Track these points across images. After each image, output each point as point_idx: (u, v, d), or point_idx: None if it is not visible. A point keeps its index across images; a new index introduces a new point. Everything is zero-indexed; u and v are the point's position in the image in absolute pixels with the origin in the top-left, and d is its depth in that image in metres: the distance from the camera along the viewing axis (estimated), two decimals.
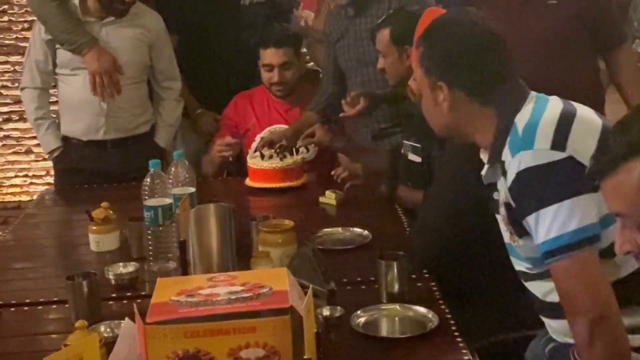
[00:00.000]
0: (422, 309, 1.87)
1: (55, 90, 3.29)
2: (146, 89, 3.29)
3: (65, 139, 3.23)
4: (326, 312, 1.84)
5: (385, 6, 3.02)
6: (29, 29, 4.41)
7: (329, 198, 2.78)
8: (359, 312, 1.86)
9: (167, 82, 3.31)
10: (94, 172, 3.04)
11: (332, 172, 2.77)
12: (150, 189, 2.24)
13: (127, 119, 3.21)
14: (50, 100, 3.30)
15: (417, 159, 2.57)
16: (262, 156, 3.05)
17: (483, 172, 1.76)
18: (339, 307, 1.86)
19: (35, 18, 3.27)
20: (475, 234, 2.09)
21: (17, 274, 2.38)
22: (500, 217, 1.74)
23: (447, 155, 2.19)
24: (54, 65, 3.17)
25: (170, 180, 2.38)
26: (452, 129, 1.76)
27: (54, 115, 3.28)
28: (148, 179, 2.25)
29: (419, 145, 2.56)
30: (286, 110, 3.27)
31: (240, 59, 3.46)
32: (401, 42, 2.64)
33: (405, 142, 2.63)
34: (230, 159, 3.13)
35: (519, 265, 1.78)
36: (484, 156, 1.77)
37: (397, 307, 1.90)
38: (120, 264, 2.18)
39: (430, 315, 1.84)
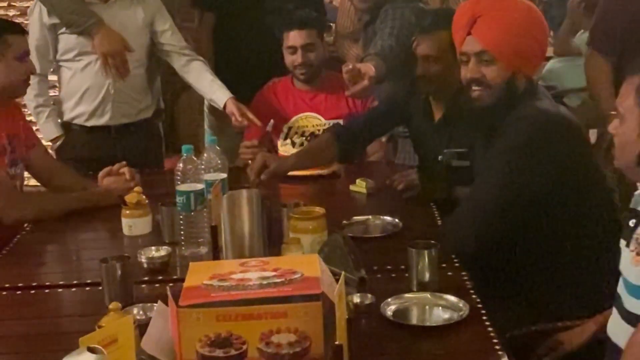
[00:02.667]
0: (453, 298, 1.86)
1: (53, 76, 3.28)
2: (148, 74, 3.28)
3: (67, 127, 3.22)
4: (356, 299, 1.85)
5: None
6: (21, 14, 4.33)
7: (360, 186, 2.78)
8: (389, 300, 1.86)
9: (182, 50, 3.26)
10: (97, 159, 2.98)
11: (387, 181, 2.74)
12: (183, 174, 2.25)
13: (131, 104, 3.22)
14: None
15: (465, 163, 2.52)
16: (293, 144, 3.05)
17: (636, 193, 1.73)
18: (369, 295, 1.86)
19: (31, 2, 3.23)
20: (518, 229, 2.09)
21: (50, 256, 2.41)
22: (633, 239, 1.69)
23: (500, 151, 2.13)
24: (55, 51, 3.16)
25: (203, 166, 2.39)
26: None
27: (53, 103, 3.27)
28: (181, 164, 2.26)
29: (464, 150, 2.52)
30: (311, 98, 3.26)
31: (264, 46, 3.45)
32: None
33: (445, 151, 2.58)
34: (251, 162, 3.13)
35: (630, 303, 1.70)
36: None
37: (428, 295, 1.90)
38: (153, 248, 2.20)
39: (461, 305, 1.83)
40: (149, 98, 3.30)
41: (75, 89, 3.18)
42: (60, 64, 3.19)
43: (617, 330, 1.72)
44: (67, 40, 3.12)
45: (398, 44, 3.03)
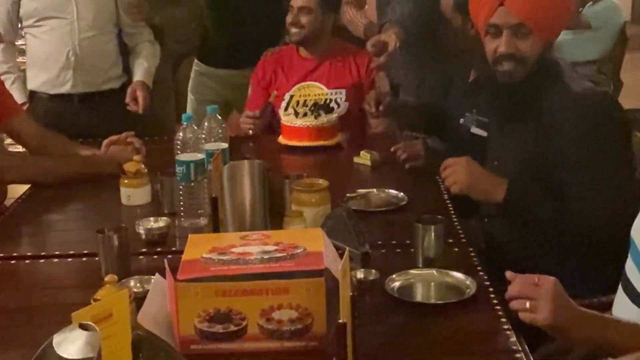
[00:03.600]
0: (460, 275, 1.82)
1: (22, 44, 3.24)
2: (115, 43, 3.24)
3: (32, 95, 3.20)
4: (360, 275, 1.80)
5: None
6: None
7: (364, 158, 2.73)
8: (393, 276, 1.82)
9: (135, 29, 3.26)
10: (61, 129, 2.89)
11: (392, 149, 2.68)
12: (183, 143, 2.20)
13: (95, 72, 3.18)
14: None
15: (482, 133, 2.46)
16: (296, 114, 3.00)
17: None
18: (373, 271, 1.81)
19: None
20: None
21: (46, 226, 2.36)
22: None
23: (586, 138, 2.02)
24: (18, 17, 3.12)
25: (203, 135, 2.34)
26: None
27: (21, 70, 3.24)
28: (180, 133, 2.21)
29: (486, 119, 2.44)
30: (315, 66, 3.21)
31: (266, 12, 3.40)
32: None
33: (468, 114, 2.51)
34: (251, 132, 3.08)
35: None
36: None
37: (434, 272, 1.85)
38: (151, 218, 2.15)
39: (468, 282, 1.79)
40: (118, 69, 3.26)
41: (38, 56, 3.16)
42: (25, 30, 3.16)
43: (628, 314, 1.67)
44: (28, 5, 3.09)
45: (417, 6, 2.96)
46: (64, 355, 1.02)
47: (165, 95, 3.57)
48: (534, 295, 1.54)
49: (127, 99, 3.16)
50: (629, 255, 1.70)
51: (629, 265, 1.69)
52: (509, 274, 1.61)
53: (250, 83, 3.31)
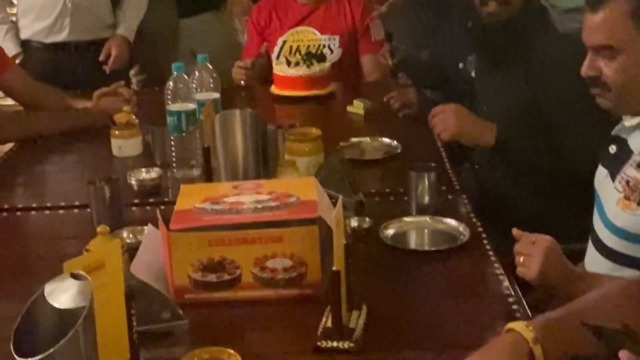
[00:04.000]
0: (453, 222, 1.82)
1: None
2: None
3: (26, 45, 3.15)
4: (354, 223, 1.80)
5: None
6: None
7: (357, 107, 2.71)
8: (387, 224, 1.82)
9: None
10: (56, 79, 2.87)
11: (385, 98, 2.67)
12: (173, 93, 2.17)
13: (92, 19, 3.14)
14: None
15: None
16: (289, 63, 2.97)
17: (627, 123, 1.64)
18: (367, 219, 1.81)
19: None
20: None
21: (38, 178, 2.35)
22: (620, 177, 1.61)
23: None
24: None
25: (194, 85, 2.31)
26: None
27: (13, 20, 3.19)
28: (171, 83, 2.18)
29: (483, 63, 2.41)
30: (310, 11, 3.17)
31: None
32: None
33: (469, 58, 2.45)
34: (243, 83, 3.04)
35: (611, 240, 1.63)
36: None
37: (427, 219, 1.85)
38: (143, 169, 2.14)
39: (461, 229, 1.79)
40: (112, 17, 3.21)
41: (33, 3, 3.11)
42: None
43: (596, 266, 1.68)
44: None
45: None
46: (56, 305, 1.01)
47: (169, 43, 3.52)
48: (528, 252, 1.59)
49: (101, 57, 3.13)
50: (595, 207, 1.71)
51: (595, 216, 1.70)
52: (515, 231, 1.64)
53: (247, 29, 3.28)
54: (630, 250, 1.58)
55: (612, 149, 1.67)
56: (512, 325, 1.20)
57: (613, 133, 1.69)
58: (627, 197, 1.58)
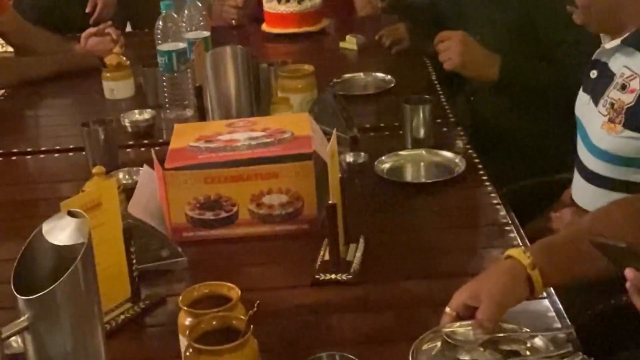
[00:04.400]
0: (449, 154, 1.82)
1: None
2: None
3: None
4: (349, 158, 1.80)
5: None
6: None
7: (350, 42, 2.69)
8: (383, 158, 1.82)
9: None
10: (47, 23, 2.81)
11: (376, 37, 2.64)
12: (163, 33, 2.15)
13: None
14: None
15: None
16: (279, 0, 2.93)
17: (607, 46, 1.63)
18: (362, 153, 1.81)
19: None
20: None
21: (30, 122, 2.35)
22: (603, 100, 1.61)
23: None
24: None
25: (184, 24, 2.28)
26: (608, 9, 1.60)
27: None
28: (160, 22, 2.15)
29: None
30: None
31: None
32: None
33: None
34: (234, 22, 3.00)
35: (596, 165, 1.63)
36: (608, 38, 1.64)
37: (423, 152, 1.85)
38: (136, 111, 2.13)
39: (457, 160, 1.79)
40: None
41: None
42: None
43: (582, 193, 1.69)
44: None
45: None
46: (55, 242, 1.02)
47: None
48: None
49: (88, 8, 3.08)
50: (577, 134, 1.71)
51: (579, 143, 1.71)
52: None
53: None
54: (615, 173, 1.59)
55: (593, 73, 1.67)
56: (510, 252, 1.21)
57: (593, 57, 1.69)
58: (611, 120, 1.58)
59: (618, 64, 1.61)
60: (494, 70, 2.05)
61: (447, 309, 1.18)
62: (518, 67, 2.05)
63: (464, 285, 1.19)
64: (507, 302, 1.16)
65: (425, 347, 1.15)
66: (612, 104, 1.59)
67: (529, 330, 1.16)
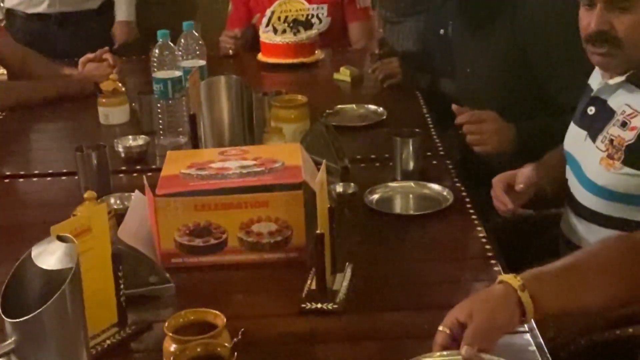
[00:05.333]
0: (437, 187, 1.84)
1: None
2: None
3: (9, 13, 3.15)
4: (339, 188, 1.82)
5: None
6: None
7: (344, 74, 2.72)
8: (372, 189, 1.83)
9: None
10: (37, 48, 2.83)
11: (370, 70, 2.67)
12: (159, 61, 2.17)
13: None
14: None
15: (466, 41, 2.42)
16: (275, 30, 2.97)
17: (611, 82, 1.63)
18: (352, 184, 1.83)
19: None
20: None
21: (24, 145, 2.35)
22: (602, 136, 1.62)
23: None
24: None
25: (180, 53, 2.31)
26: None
27: None
28: (157, 50, 2.18)
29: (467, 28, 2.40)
30: None
31: None
32: None
33: (451, 22, 2.41)
34: (231, 52, 3.04)
35: (590, 201, 1.64)
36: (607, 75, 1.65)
37: (412, 184, 1.87)
38: (130, 137, 2.15)
39: (445, 193, 1.81)
40: None
41: None
42: None
43: (573, 229, 1.70)
44: None
45: None
46: (43, 266, 1.03)
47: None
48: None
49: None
50: (568, 168, 1.73)
51: (570, 178, 1.73)
52: (454, 107, 1.89)
53: None
54: (610, 209, 1.60)
55: (591, 110, 1.68)
56: (502, 277, 1.22)
57: (592, 94, 1.70)
58: (610, 156, 1.59)
59: (619, 101, 1.62)
60: (511, 141, 2.01)
61: (440, 327, 1.18)
62: (532, 134, 2.03)
63: (458, 304, 1.20)
64: (499, 323, 1.17)
65: None
66: (611, 141, 1.60)
67: None
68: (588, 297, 1.21)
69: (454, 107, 1.99)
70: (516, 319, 1.18)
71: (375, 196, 1.82)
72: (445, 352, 1.16)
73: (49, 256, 1.04)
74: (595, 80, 1.71)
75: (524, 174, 1.77)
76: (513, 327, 1.19)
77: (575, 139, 1.72)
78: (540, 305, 1.19)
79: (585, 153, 1.67)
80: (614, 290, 1.23)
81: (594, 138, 1.65)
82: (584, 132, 1.69)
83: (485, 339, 1.15)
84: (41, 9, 3.12)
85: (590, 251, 1.33)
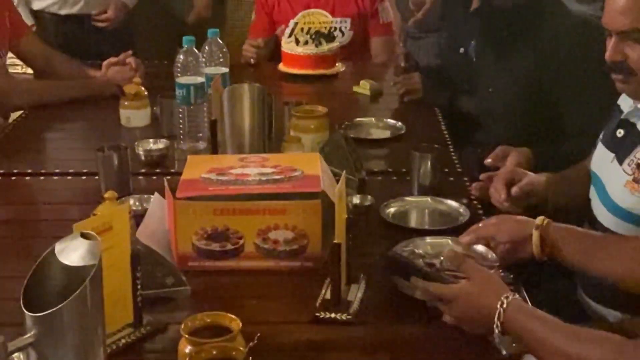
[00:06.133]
0: (453, 203, 1.84)
1: None
2: None
3: (38, 15, 3.15)
4: (356, 200, 1.82)
5: None
6: None
7: (364, 88, 2.73)
8: (389, 202, 1.84)
9: None
10: (70, 50, 2.87)
11: (392, 83, 2.68)
12: (183, 67, 2.19)
13: None
14: None
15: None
16: (297, 41, 2.98)
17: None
18: (369, 196, 1.83)
19: None
20: None
21: (47, 144, 2.38)
22: (629, 160, 1.62)
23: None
24: None
25: (204, 59, 2.33)
26: None
27: None
28: (181, 56, 2.20)
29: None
30: None
31: None
32: None
33: (472, 42, 2.43)
34: (252, 61, 3.06)
35: (612, 222, 1.64)
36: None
37: (428, 199, 1.87)
38: (151, 140, 2.16)
39: (461, 210, 1.81)
40: None
41: None
42: None
43: None
44: None
45: None
46: (66, 262, 1.04)
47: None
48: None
49: (95, 14, 3.16)
50: (592, 188, 1.74)
51: (593, 198, 1.73)
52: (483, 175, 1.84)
53: (254, 7, 3.29)
54: (631, 232, 1.60)
55: (620, 132, 1.68)
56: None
57: (622, 117, 1.70)
58: (636, 180, 1.59)
59: None
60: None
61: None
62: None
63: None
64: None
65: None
66: (638, 165, 1.60)
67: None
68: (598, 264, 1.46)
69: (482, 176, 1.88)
70: (529, 249, 1.49)
71: (392, 209, 1.83)
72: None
73: (72, 252, 1.05)
74: (626, 102, 1.71)
75: (529, 182, 1.77)
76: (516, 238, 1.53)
77: (602, 159, 1.72)
78: (546, 249, 1.48)
79: (610, 175, 1.67)
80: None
81: (621, 160, 1.65)
82: (612, 154, 1.69)
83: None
84: (76, 9, 3.13)
85: (609, 236, 1.56)
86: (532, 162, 1.97)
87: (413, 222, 1.82)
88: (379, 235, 1.74)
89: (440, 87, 2.58)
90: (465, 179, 2.03)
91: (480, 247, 1.58)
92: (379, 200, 1.83)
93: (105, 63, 2.66)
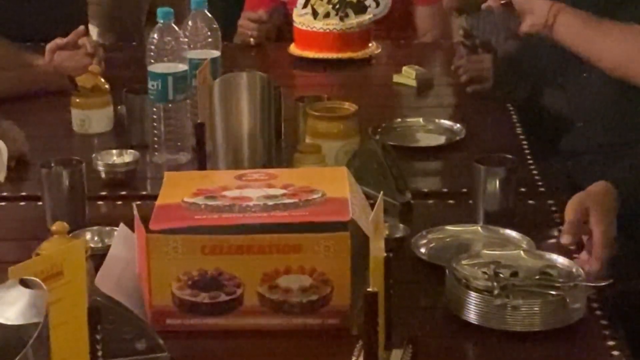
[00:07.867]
0: (515, 235, 1.83)
1: None
2: None
3: None
4: (399, 232, 1.84)
5: None
6: None
7: (407, 76, 2.75)
8: (422, 233, 1.85)
9: None
10: (2, 31, 2.89)
11: (452, 67, 2.71)
12: (158, 50, 2.21)
13: None
14: None
15: None
16: (315, 13, 3.00)
17: None
18: (401, 225, 1.85)
19: None
20: None
21: None
22: None
23: None
24: None
25: (186, 39, 2.35)
26: None
27: None
28: (155, 36, 2.22)
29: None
30: None
31: None
32: None
33: None
34: (253, 42, 3.09)
35: None
36: None
37: (479, 229, 1.88)
38: (114, 151, 2.19)
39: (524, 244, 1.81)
40: None
41: None
42: None
43: None
44: None
45: None
46: (0, 320, 1.05)
47: None
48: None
49: None
50: None
51: None
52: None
53: None
54: None
55: None
56: None
57: None
58: None
59: None
60: None
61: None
62: None
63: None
64: None
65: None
66: None
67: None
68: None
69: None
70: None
71: (427, 242, 1.83)
72: None
73: (8, 307, 1.06)
74: None
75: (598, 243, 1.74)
76: None
77: None
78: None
79: None
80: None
81: None
82: None
83: None
84: None
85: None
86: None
87: None
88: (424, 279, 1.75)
89: (516, 76, 2.59)
90: (551, 201, 2.03)
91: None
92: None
93: (49, 47, 2.70)
